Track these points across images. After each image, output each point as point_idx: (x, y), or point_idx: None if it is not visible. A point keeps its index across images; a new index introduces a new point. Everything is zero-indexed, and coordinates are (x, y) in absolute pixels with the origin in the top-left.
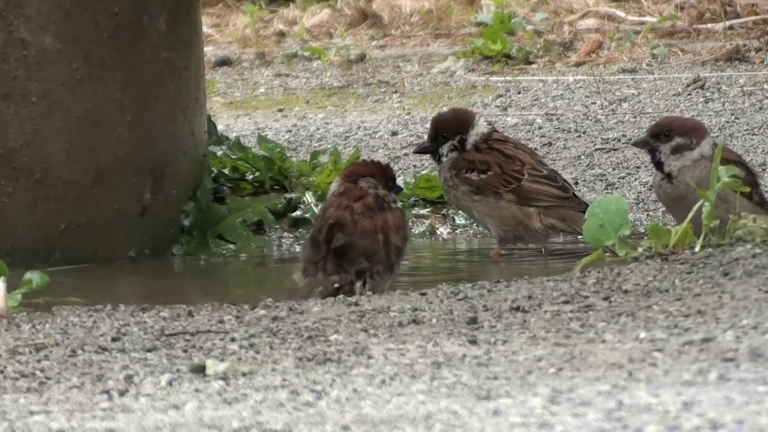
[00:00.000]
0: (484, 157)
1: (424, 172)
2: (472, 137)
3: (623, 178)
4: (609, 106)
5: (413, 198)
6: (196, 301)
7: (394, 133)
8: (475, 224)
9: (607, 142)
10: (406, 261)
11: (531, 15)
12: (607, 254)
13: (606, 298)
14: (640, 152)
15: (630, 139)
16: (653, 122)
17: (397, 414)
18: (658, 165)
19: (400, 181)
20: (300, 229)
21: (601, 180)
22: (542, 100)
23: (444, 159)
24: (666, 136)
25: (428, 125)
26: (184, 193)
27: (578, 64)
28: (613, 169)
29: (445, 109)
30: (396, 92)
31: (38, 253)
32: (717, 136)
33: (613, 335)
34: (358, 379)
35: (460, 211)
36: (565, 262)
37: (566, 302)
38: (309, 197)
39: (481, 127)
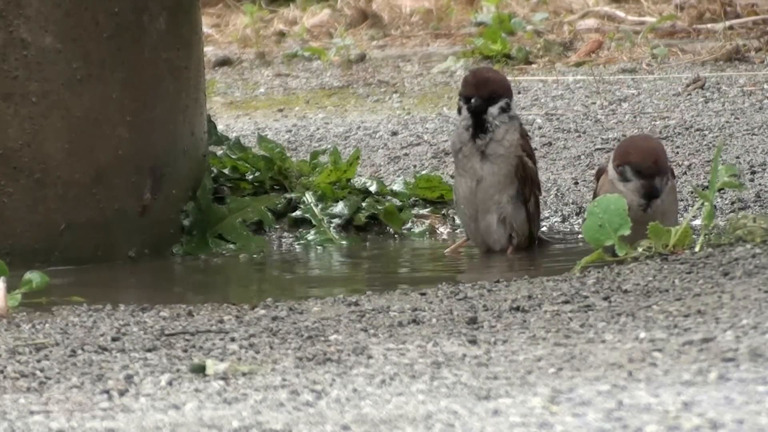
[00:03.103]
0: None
1: (424, 172)
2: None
3: None
4: (609, 106)
5: (413, 198)
6: (196, 301)
7: (394, 133)
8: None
9: (607, 142)
10: (405, 261)
11: (531, 15)
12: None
13: (606, 298)
14: None
15: None
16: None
17: (397, 414)
18: (651, 197)
19: (399, 181)
20: (300, 229)
21: None
22: (542, 100)
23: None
24: (661, 173)
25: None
26: (184, 193)
27: (578, 64)
28: None
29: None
30: (396, 92)
31: (38, 253)
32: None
33: (613, 335)
34: (358, 378)
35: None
36: (565, 262)
37: (566, 302)
38: (309, 197)
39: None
